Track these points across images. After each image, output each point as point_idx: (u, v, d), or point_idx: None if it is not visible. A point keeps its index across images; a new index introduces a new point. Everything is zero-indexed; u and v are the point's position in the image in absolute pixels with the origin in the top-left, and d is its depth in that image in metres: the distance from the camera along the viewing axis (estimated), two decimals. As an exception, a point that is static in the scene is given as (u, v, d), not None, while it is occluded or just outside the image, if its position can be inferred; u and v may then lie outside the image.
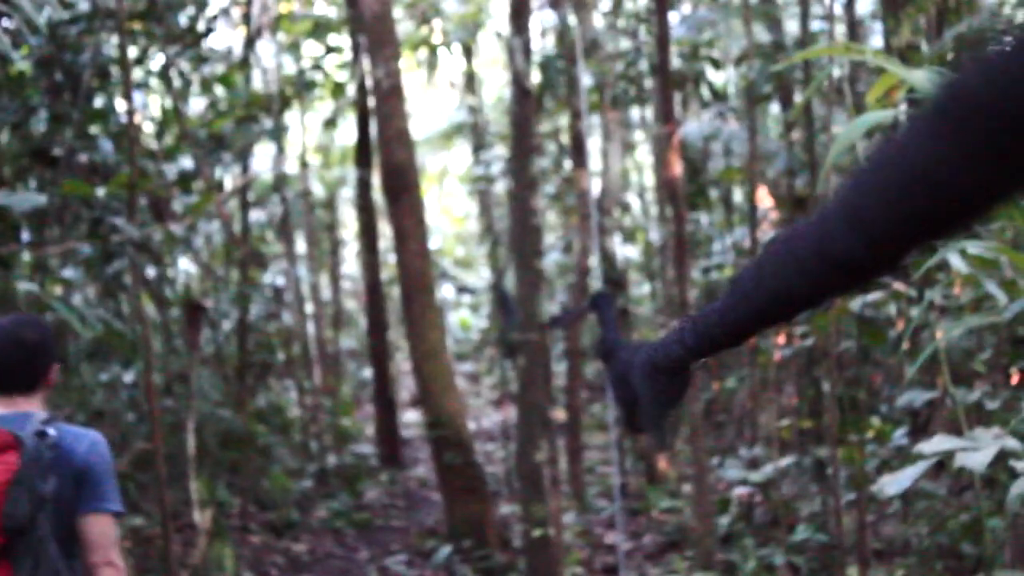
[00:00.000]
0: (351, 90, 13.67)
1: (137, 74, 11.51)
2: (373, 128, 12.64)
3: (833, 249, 1.32)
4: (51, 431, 3.66)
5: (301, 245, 17.90)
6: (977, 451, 3.97)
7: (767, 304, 1.55)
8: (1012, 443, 4.07)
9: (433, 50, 17.47)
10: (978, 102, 1.11)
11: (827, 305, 5.06)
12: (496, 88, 25.43)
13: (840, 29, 10.54)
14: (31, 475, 3.53)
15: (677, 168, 9.45)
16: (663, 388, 1.99)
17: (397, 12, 13.85)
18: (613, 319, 2.69)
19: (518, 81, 7.91)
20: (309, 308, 18.18)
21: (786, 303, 1.52)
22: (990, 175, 1.12)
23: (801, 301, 1.50)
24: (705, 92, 14.17)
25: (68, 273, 8.73)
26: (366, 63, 12.02)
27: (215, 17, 11.84)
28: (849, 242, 1.29)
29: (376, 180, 14.43)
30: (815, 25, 11.96)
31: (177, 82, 11.87)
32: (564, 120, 16.68)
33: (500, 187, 20.83)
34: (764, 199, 11.47)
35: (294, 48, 13.30)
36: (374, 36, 10.59)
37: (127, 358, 10.35)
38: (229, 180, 14.13)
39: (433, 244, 18.96)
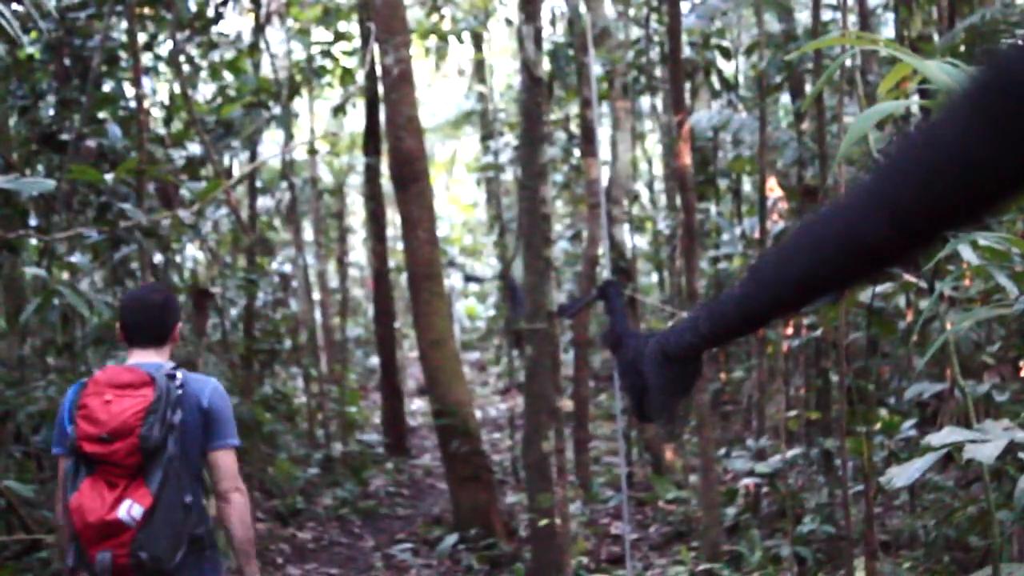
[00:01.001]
0: (360, 77, 13.63)
1: (146, 59, 11.50)
2: (382, 115, 12.60)
3: (861, 233, 1.31)
4: (178, 374, 4.55)
5: (309, 232, 17.92)
6: (986, 443, 3.95)
7: (788, 290, 1.53)
8: (1021, 435, 4.04)
9: (443, 38, 17.44)
10: (1018, 84, 1.10)
11: (847, 292, 5.05)
12: (506, 76, 25.40)
13: (852, 19, 10.47)
14: (162, 407, 4.38)
15: (687, 157, 9.42)
16: (674, 376, 1.98)
17: (407, -1, 13.82)
18: (621, 308, 2.69)
19: (528, 69, 7.88)
20: (316, 295, 18.21)
21: (809, 288, 1.50)
22: None
23: (824, 286, 1.49)
24: (715, 82, 14.13)
25: (75, 258, 8.73)
26: (376, 50, 11.98)
27: (224, 3, 11.83)
28: (878, 226, 1.28)
29: (385, 168, 14.40)
30: (826, 15, 11.91)
31: (186, 68, 11.86)
32: (574, 109, 16.67)
33: (509, 175, 20.83)
34: (774, 189, 11.43)
35: (303, 34, 13.27)
36: (384, 23, 10.56)
37: (134, 344, 10.33)
38: (237, 166, 14.12)
39: (441, 232, 18.95)
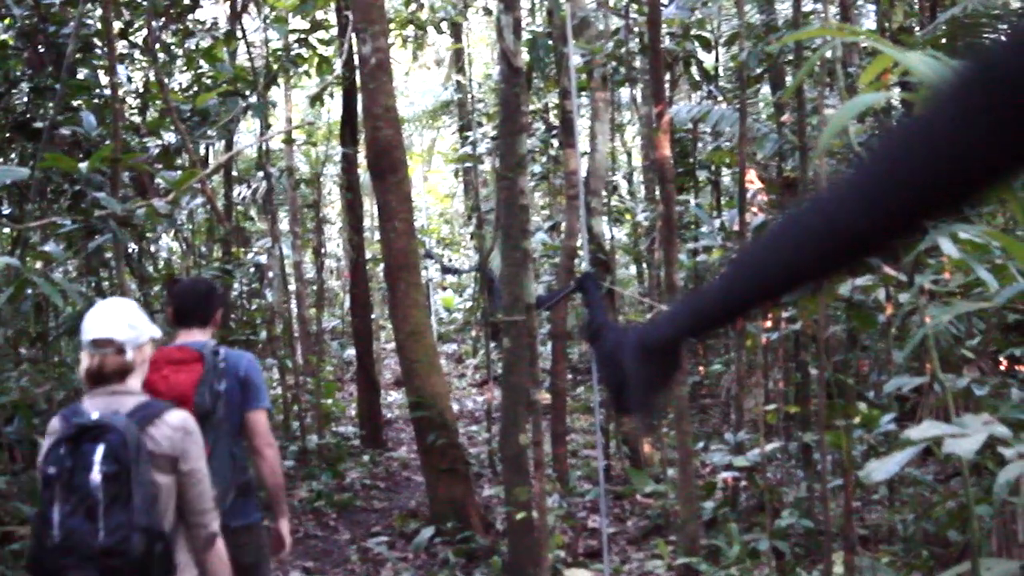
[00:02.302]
0: (338, 66, 13.55)
1: (121, 47, 11.40)
2: (359, 105, 12.52)
3: (845, 222, 1.30)
4: (221, 351, 5.53)
5: (285, 223, 17.82)
6: (966, 437, 3.91)
7: (772, 279, 1.51)
8: (1001, 430, 4.00)
9: (421, 27, 17.36)
10: (1014, 73, 1.08)
11: (829, 281, 5.03)
12: (484, 66, 25.36)
13: (832, 10, 10.46)
14: (210, 378, 5.34)
15: (666, 149, 9.38)
16: (654, 369, 1.94)
17: (385, -12, 13.73)
18: (600, 300, 2.65)
19: (507, 59, 7.81)
20: (292, 286, 18.10)
21: (791, 278, 1.49)
22: (1018, 147, 1.10)
23: (807, 276, 1.48)
24: (695, 73, 14.09)
25: (49, 247, 8.62)
26: (353, 39, 11.91)
27: (200, -10, 11.73)
28: (863, 215, 1.27)
29: (362, 158, 14.32)
30: (807, 6, 11.90)
31: (161, 56, 11.76)
32: (553, 99, 16.62)
33: (487, 166, 20.77)
34: (754, 182, 11.40)
35: (280, 22, 13.17)
36: (362, 11, 10.49)
37: (108, 334, 10.25)
38: (213, 156, 14.03)
39: (418, 223, 18.87)
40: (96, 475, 4.02)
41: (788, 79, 12.91)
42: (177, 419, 4.28)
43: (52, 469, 4.07)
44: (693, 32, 13.46)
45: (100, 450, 4.07)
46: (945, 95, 1.16)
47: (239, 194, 16.53)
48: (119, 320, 4.33)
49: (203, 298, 5.68)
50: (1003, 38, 1.11)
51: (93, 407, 4.22)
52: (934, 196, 1.20)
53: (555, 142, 16.43)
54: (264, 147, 14.76)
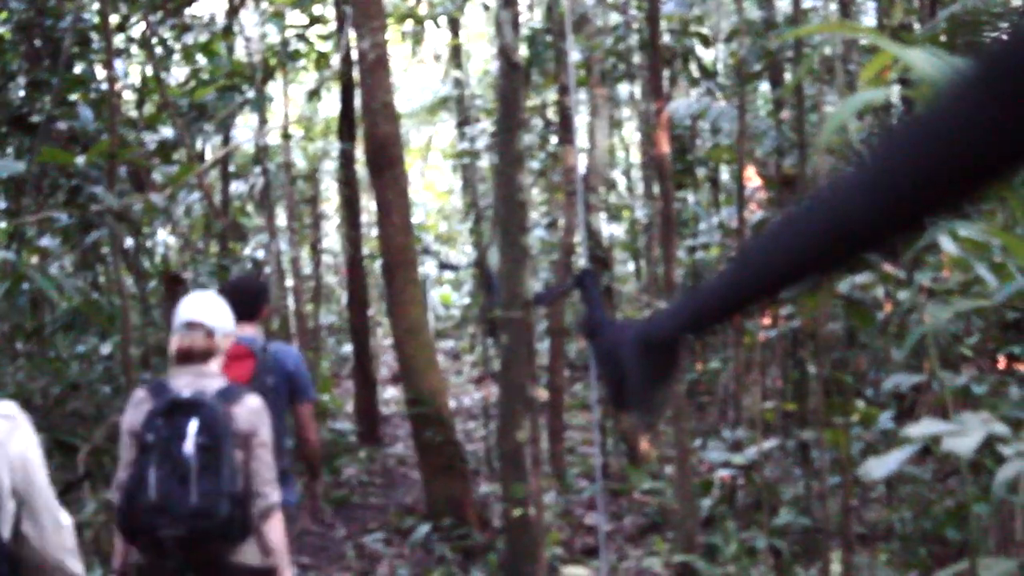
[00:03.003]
0: (335, 61, 13.53)
1: (118, 41, 11.37)
2: (357, 100, 12.50)
3: (852, 216, 1.30)
4: (270, 347, 6.05)
5: (282, 218, 17.80)
6: (964, 435, 3.90)
7: (775, 274, 1.51)
8: (999, 428, 3.99)
9: (420, 22, 17.33)
10: (1017, 70, 1.08)
11: (834, 275, 5.01)
12: (482, 62, 25.31)
13: (832, 7, 10.45)
14: (261, 373, 5.79)
15: (665, 146, 9.36)
16: (653, 365, 1.92)
17: (383, -17, 13.69)
18: (598, 297, 2.62)
19: (506, 55, 7.78)
20: (289, 282, 18.07)
21: (796, 273, 1.49)
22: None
23: (811, 270, 1.48)
24: (694, 69, 14.07)
25: (45, 242, 8.63)
26: (351, 34, 11.88)
27: (198, -16, 11.70)
28: (869, 209, 1.27)
29: (359, 153, 14.29)
30: (807, 2, 11.87)
31: (159, 50, 11.73)
32: (551, 95, 16.60)
33: (485, 162, 20.73)
34: (752, 178, 11.38)
35: (278, 17, 13.14)
36: (360, 6, 10.46)
37: (104, 330, 10.23)
38: (210, 151, 13.99)
39: (416, 219, 18.83)
40: (190, 445, 4.58)
41: (787, 76, 12.89)
42: (255, 402, 4.87)
43: (150, 436, 4.58)
44: (692, 28, 13.47)
45: (194, 424, 4.63)
46: (952, 91, 1.15)
47: (236, 189, 16.48)
48: (210, 308, 4.99)
49: (251, 295, 6.11)
50: (1006, 35, 1.11)
51: (181, 385, 4.78)
52: (940, 191, 1.20)
53: (554, 138, 16.41)
54: (262, 142, 14.74)
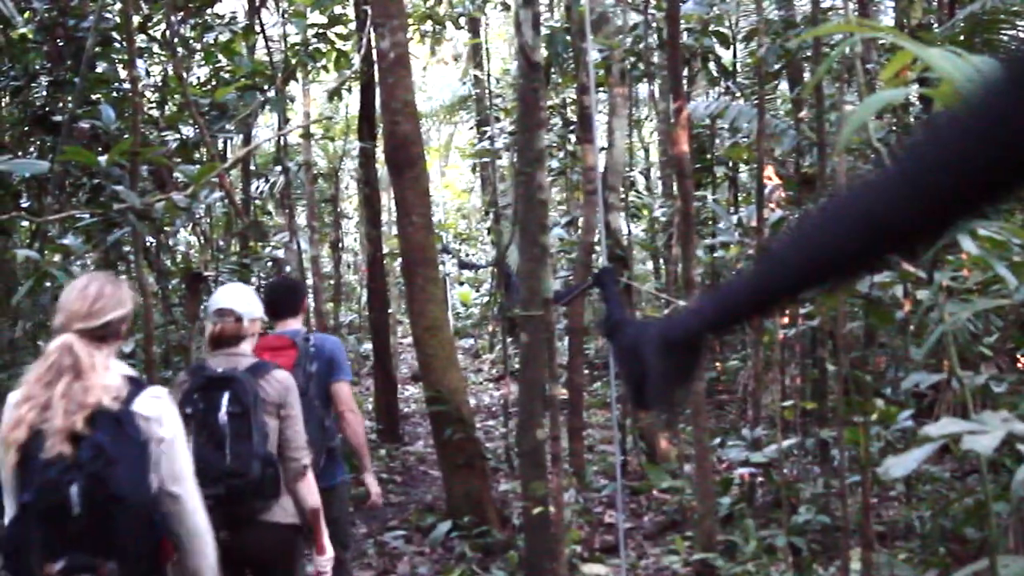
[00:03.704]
0: (356, 61, 13.55)
1: (140, 41, 11.42)
2: (378, 100, 12.53)
3: (885, 215, 1.30)
4: (312, 336, 6.70)
5: (302, 217, 17.84)
6: (984, 434, 3.90)
7: (804, 272, 1.51)
8: (1019, 427, 3.99)
9: (440, 22, 17.36)
10: None
11: (860, 276, 5.03)
12: (502, 61, 25.32)
13: (851, 7, 10.42)
14: (303, 362, 6.37)
15: (684, 145, 9.37)
16: (675, 363, 1.93)
17: (403, -17, 13.71)
18: (617, 295, 2.64)
19: (525, 54, 7.80)
20: (309, 280, 18.11)
21: (824, 272, 1.48)
22: None
23: (841, 270, 1.47)
24: (713, 69, 14.07)
25: (68, 240, 8.64)
26: (372, 33, 11.92)
27: (220, -16, 11.74)
28: (903, 208, 1.28)
29: (380, 152, 14.33)
30: (826, 2, 11.86)
31: (180, 50, 11.78)
32: (571, 94, 16.61)
33: (504, 161, 20.75)
34: (772, 178, 11.38)
35: (299, 17, 13.16)
36: (380, 6, 10.49)
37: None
38: (231, 150, 14.04)
39: (435, 218, 18.85)
40: (223, 415, 5.25)
41: (806, 75, 12.89)
42: (282, 375, 5.52)
43: (189, 409, 5.16)
44: (711, 28, 13.47)
45: (226, 396, 5.28)
46: (981, 92, 1.16)
47: (257, 188, 16.52)
48: (238, 297, 5.68)
49: (291, 293, 6.82)
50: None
51: (216, 364, 5.48)
52: (971, 192, 1.21)
53: (573, 137, 16.42)
54: (282, 141, 14.79)
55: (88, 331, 4.14)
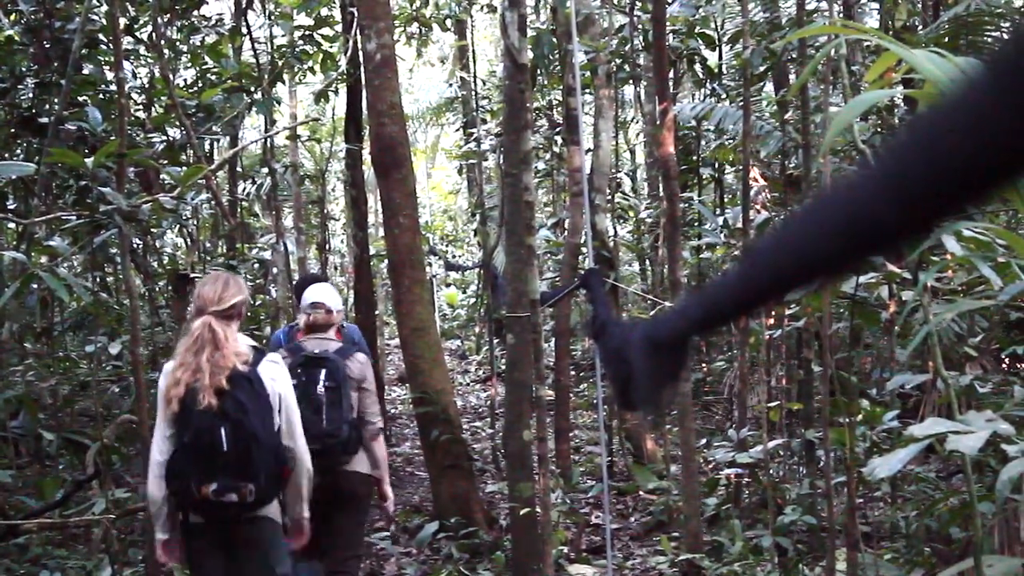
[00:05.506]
0: (342, 62, 13.55)
1: (127, 43, 11.41)
2: (364, 102, 12.53)
3: (869, 212, 1.31)
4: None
5: (289, 219, 17.82)
6: (968, 435, 3.92)
7: (789, 272, 1.52)
8: (1004, 427, 4.01)
9: (426, 24, 17.35)
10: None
11: (844, 276, 5.04)
12: (488, 63, 25.31)
13: (836, 9, 10.46)
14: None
15: (670, 146, 9.39)
16: (661, 364, 1.95)
17: (390, -15, 13.70)
18: (604, 297, 2.65)
19: (511, 56, 7.81)
20: (296, 282, 18.09)
21: (809, 271, 1.49)
22: None
23: (826, 269, 1.48)
24: (699, 70, 14.10)
25: (54, 242, 8.65)
26: (358, 35, 11.92)
27: (206, -14, 11.73)
28: (888, 205, 1.28)
29: (366, 154, 14.33)
30: (811, 4, 11.89)
31: (167, 52, 11.77)
32: (557, 96, 16.63)
33: (491, 163, 20.75)
34: (757, 179, 11.40)
35: (285, 19, 13.16)
36: (367, 8, 10.50)
37: (113, 329, 10.27)
38: (218, 152, 14.03)
39: (422, 220, 18.84)
40: (321, 388, 6.74)
41: (792, 77, 12.93)
42: (363, 357, 7.14)
43: (293, 381, 5.94)
44: (697, 30, 13.49)
45: (323, 373, 6.77)
46: (961, 91, 1.17)
47: (244, 190, 16.50)
48: (328, 293, 7.19)
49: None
50: (1012, 36, 1.12)
51: (311, 346, 6.95)
52: (952, 191, 1.21)
53: (559, 139, 16.45)
54: (269, 143, 14.77)
55: (219, 312, 5.52)
